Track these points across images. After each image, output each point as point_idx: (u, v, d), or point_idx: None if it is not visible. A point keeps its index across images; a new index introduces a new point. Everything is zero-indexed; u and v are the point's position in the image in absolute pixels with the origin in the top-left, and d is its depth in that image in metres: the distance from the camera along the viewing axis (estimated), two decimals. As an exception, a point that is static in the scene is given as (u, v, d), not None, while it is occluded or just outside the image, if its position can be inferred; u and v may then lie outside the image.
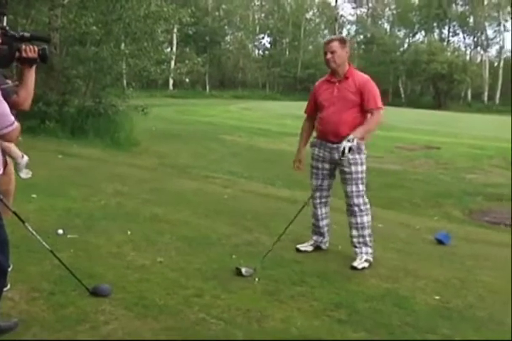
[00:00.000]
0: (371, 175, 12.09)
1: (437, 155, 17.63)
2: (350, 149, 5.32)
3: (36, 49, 3.86)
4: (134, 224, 6.59)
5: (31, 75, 3.96)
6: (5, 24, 3.91)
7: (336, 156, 5.54)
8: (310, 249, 5.98)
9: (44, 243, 4.67)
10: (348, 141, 5.32)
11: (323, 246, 6.03)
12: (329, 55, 5.53)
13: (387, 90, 69.93)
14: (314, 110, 5.69)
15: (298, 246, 5.99)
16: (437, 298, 4.84)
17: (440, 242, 6.59)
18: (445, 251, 6.35)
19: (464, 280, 5.32)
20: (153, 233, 6.30)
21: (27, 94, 3.95)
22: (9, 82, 4.32)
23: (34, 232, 4.75)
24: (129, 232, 6.22)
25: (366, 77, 5.67)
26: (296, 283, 5.00)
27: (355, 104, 5.50)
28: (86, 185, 8.39)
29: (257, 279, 5.03)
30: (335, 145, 5.54)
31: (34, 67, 4.00)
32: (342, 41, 5.58)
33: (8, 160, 4.97)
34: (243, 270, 5.15)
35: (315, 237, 6.01)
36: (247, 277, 5.07)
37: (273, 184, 10.40)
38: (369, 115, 5.55)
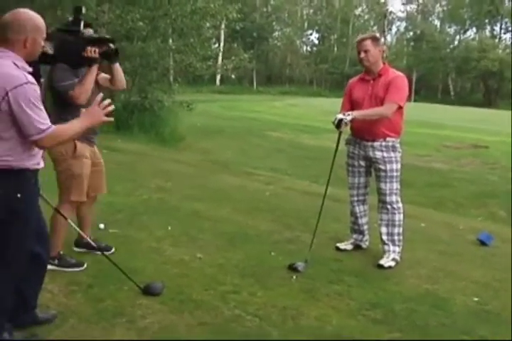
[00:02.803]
0: (416, 173, 12.13)
1: (485, 154, 17.30)
2: (340, 121, 5.21)
3: (97, 50, 4.29)
4: (174, 219, 6.64)
5: (90, 73, 4.56)
6: (81, 28, 4.35)
7: (371, 154, 5.51)
8: (350, 247, 5.95)
9: (90, 240, 4.75)
10: (343, 114, 5.27)
11: (363, 245, 5.99)
12: (362, 54, 5.49)
13: (436, 87, 69.27)
14: (350, 108, 5.64)
15: (338, 244, 5.97)
16: (476, 299, 4.77)
17: (482, 243, 6.49)
18: (487, 252, 6.25)
19: (504, 282, 5.23)
20: (193, 229, 6.35)
21: (82, 89, 4.54)
22: (75, 80, 4.64)
23: (78, 228, 4.84)
24: (169, 227, 6.27)
25: (398, 73, 5.60)
26: (334, 282, 4.98)
27: None
28: (129, 180, 8.48)
29: (294, 277, 5.03)
30: (369, 143, 5.51)
31: (95, 66, 4.52)
32: (374, 39, 5.52)
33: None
34: (299, 267, 5.18)
35: (354, 236, 5.98)
36: (287, 274, 5.08)
37: (316, 181, 10.35)
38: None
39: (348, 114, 5.25)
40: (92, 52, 4.32)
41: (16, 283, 3.50)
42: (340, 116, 5.25)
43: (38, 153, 3.39)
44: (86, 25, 4.78)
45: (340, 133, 5.42)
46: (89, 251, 5.18)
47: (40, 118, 3.17)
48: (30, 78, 3.19)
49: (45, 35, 3.37)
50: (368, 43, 5.47)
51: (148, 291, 4.44)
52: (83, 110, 3.42)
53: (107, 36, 4.77)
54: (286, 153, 15.49)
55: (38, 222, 3.55)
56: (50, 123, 3.20)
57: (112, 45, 4.54)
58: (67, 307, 4.13)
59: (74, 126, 3.36)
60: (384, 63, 5.60)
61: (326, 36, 78.40)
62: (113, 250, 5.28)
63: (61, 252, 4.92)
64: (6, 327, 3.48)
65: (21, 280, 3.53)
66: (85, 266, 4.93)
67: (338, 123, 5.23)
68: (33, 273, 3.66)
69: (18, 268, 3.47)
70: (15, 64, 3.20)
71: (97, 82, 4.83)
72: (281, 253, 5.66)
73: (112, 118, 3.48)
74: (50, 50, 3.92)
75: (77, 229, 4.95)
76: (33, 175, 3.38)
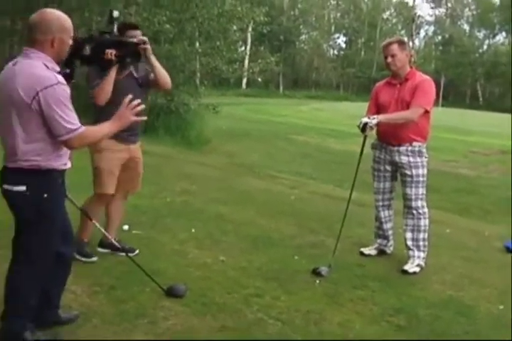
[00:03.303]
0: (443, 179, 12.02)
1: (513, 160, 17.13)
2: (365, 125, 5.19)
3: (114, 52, 4.55)
4: (198, 222, 6.64)
5: (109, 75, 4.76)
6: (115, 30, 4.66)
7: (397, 159, 5.47)
8: (374, 252, 5.91)
9: (115, 242, 4.76)
10: (369, 118, 5.23)
11: (388, 250, 5.95)
12: (389, 59, 5.45)
13: (464, 92, 68.76)
14: (376, 111, 5.60)
15: (362, 249, 5.93)
16: (501, 307, 4.71)
17: (509, 250, 6.41)
18: (513, 259, 6.18)
19: (530, 290, 5.16)
20: (217, 231, 6.35)
21: (100, 90, 4.82)
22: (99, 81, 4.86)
23: (103, 230, 4.85)
24: (193, 230, 6.28)
25: (426, 77, 5.55)
26: (357, 287, 4.95)
27: None
28: (154, 183, 8.49)
29: (317, 281, 5.00)
30: (395, 148, 5.47)
31: (113, 68, 4.74)
32: (401, 43, 5.48)
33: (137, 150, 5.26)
34: (323, 271, 5.16)
35: (379, 240, 5.93)
36: (310, 278, 5.06)
37: (341, 186, 10.30)
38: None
39: (374, 118, 5.21)
40: (110, 54, 4.57)
41: (41, 283, 3.52)
42: (365, 119, 5.22)
43: (66, 153, 3.42)
44: (132, 28, 4.97)
45: (365, 137, 5.39)
46: (113, 252, 5.20)
47: (70, 119, 3.20)
48: (61, 79, 3.22)
49: (72, 35, 3.40)
50: (395, 47, 5.43)
51: (171, 293, 4.44)
52: None
53: (132, 39, 4.83)
54: (311, 157, 15.45)
55: (63, 222, 3.58)
56: (79, 124, 3.23)
57: (139, 47, 4.74)
58: (90, 307, 4.15)
59: (103, 127, 3.40)
60: (411, 67, 5.56)
61: (353, 40, 78.20)
62: (137, 252, 5.29)
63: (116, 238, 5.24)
64: (29, 326, 3.51)
65: (45, 279, 3.55)
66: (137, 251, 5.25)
67: (363, 127, 5.20)
68: (57, 273, 3.69)
69: (43, 267, 3.50)
70: (45, 65, 3.23)
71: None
72: (305, 258, 5.64)
73: (143, 117, 3.54)
74: (87, 52, 4.10)
75: (102, 229, 4.97)
76: (60, 176, 3.41)
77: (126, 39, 4.82)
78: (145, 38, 4.89)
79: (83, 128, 3.25)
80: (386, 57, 5.49)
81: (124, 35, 4.91)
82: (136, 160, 5.27)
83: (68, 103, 3.22)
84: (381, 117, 5.27)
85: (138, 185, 5.43)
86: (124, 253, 4.85)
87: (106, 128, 3.40)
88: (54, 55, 3.33)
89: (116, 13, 4.73)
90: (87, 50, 4.19)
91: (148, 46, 4.88)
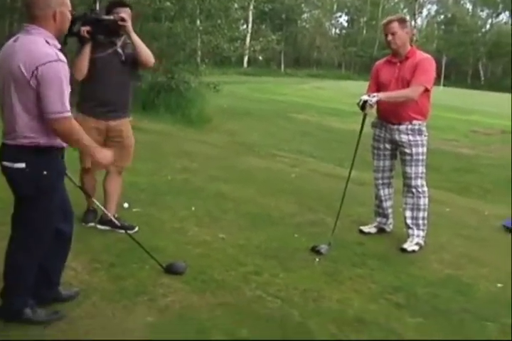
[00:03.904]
0: (443, 158, 12.01)
1: (514, 140, 17.11)
2: (365, 103, 5.16)
3: (87, 29, 4.72)
4: (198, 200, 6.65)
5: (81, 52, 4.89)
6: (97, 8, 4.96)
7: (397, 137, 5.46)
8: (374, 230, 5.93)
9: (114, 219, 4.75)
10: (369, 96, 5.20)
11: (387, 229, 5.96)
12: (390, 37, 5.41)
13: (466, 72, 68.50)
14: (376, 90, 5.57)
15: (361, 227, 5.95)
16: (500, 285, 4.74)
17: (508, 229, 6.42)
18: (512, 238, 6.19)
19: (529, 269, 5.17)
20: (217, 209, 6.35)
21: (75, 66, 4.85)
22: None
23: (102, 207, 4.86)
24: (193, 208, 6.28)
25: (426, 55, 5.52)
26: (356, 265, 4.97)
27: None
28: (154, 160, 8.50)
29: (317, 259, 5.02)
30: (395, 127, 5.45)
31: (86, 45, 4.87)
32: (401, 21, 5.43)
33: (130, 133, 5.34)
34: (322, 249, 5.18)
35: (378, 219, 5.94)
36: (309, 256, 5.09)
37: (341, 164, 10.29)
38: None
39: (374, 96, 5.18)
40: (84, 32, 4.71)
41: (40, 260, 3.53)
42: (365, 97, 5.19)
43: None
44: (120, 5, 5.03)
45: (364, 115, 5.37)
46: (113, 229, 5.21)
47: (63, 99, 3.18)
48: (61, 56, 3.20)
49: (70, 8, 3.37)
50: (395, 25, 5.39)
51: (170, 270, 4.46)
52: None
53: (108, 16, 4.90)
54: (312, 135, 15.41)
55: (63, 200, 3.58)
56: (69, 110, 3.23)
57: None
58: (90, 285, 4.16)
59: (85, 136, 3.36)
60: (411, 45, 5.53)
61: (355, 19, 77.80)
62: (136, 229, 5.30)
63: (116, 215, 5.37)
64: (29, 303, 3.52)
65: (45, 257, 3.56)
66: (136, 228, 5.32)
67: (363, 105, 5.17)
68: (57, 250, 3.69)
69: (42, 244, 3.52)
70: (46, 41, 3.21)
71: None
72: (304, 236, 5.65)
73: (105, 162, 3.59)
74: (76, 29, 4.25)
75: (102, 207, 4.98)
76: (59, 153, 3.40)
77: (101, 16, 4.88)
78: (123, 15, 4.91)
79: (71, 116, 3.24)
80: (386, 35, 5.45)
81: (112, 12, 4.97)
82: (121, 135, 5.28)
83: (66, 82, 3.20)
84: (381, 95, 5.24)
85: (126, 160, 5.42)
86: (123, 231, 4.86)
87: (86, 138, 3.37)
88: (56, 29, 3.32)
89: None
90: (77, 27, 4.29)
91: (127, 23, 4.88)
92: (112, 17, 4.85)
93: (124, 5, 5.18)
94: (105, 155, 3.51)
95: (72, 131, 3.26)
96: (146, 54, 5.04)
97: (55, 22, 3.28)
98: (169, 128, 13.04)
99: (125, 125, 5.32)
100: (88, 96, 5.17)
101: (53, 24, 3.28)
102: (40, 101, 3.16)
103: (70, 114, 3.23)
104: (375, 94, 5.25)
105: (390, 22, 5.45)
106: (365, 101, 5.15)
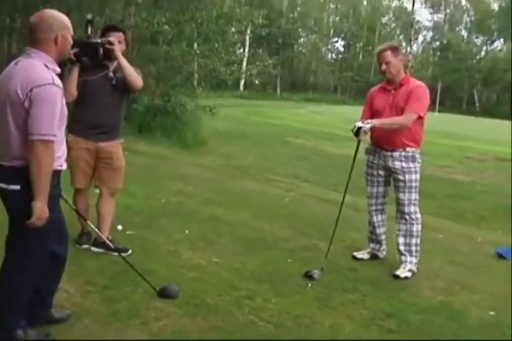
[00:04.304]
0: (438, 184, 12.05)
1: (508, 167, 17.17)
2: (359, 129, 5.20)
3: (72, 52, 4.78)
4: (193, 223, 6.66)
5: (70, 74, 4.96)
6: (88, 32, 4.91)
7: (391, 164, 5.50)
8: (366, 256, 5.93)
9: (108, 241, 4.76)
10: (363, 122, 5.25)
11: (380, 255, 5.97)
12: (384, 66, 5.47)
13: (461, 98, 68.93)
14: (371, 117, 5.62)
15: (354, 253, 5.95)
16: (492, 313, 4.73)
17: (501, 256, 6.44)
18: (505, 265, 6.17)
19: (521, 297, 5.19)
20: (211, 233, 6.36)
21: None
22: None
23: (97, 230, 4.87)
24: (187, 231, 6.29)
25: (420, 83, 5.57)
26: (349, 291, 4.97)
27: None
28: (149, 183, 8.52)
29: (309, 284, 5.02)
30: (389, 153, 5.49)
31: (74, 68, 4.97)
32: (394, 49, 5.48)
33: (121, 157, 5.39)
34: (315, 275, 5.18)
35: (372, 245, 5.96)
36: (302, 282, 5.08)
37: (336, 189, 10.31)
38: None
39: (368, 122, 5.23)
40: (71, 54, 4.77)
41: (35, 282, 3.54)
42: (359, 124, 5.24)
43: (63, 155, 3.44)
44: (113, 30, 5.14)
45: (359, 142, 5.42)
46: (106, 251, 5.22)
47: (49, 122, 3.19)
48: (57, 81, 3.24)
49: (72, 33, 3.43)
50: (388, 54, 5.44)
51: (164, 294, 4.45)
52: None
53: (95, 40, 4.98)
54: (307, 160, 15.49)
55: (58, 222, 3.59)
56: (54, 135, 3.22)
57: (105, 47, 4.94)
58: (82, 307, 4.16)
59: (47, 176, 3.25)
60: (406, 72, 5.59)
61: (351, 44, 78.29)
62: (130, 252, 5.31)
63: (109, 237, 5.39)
64: (22, 324, 3.52)
65: (40, 278, 3.57)
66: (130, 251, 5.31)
67: (357, 131, 5.22)
68: (51, 273, 3.70)
69: (37, 267, 3.51)
70: (45, 65, 3.25)
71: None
72: (298, 261, 5.66)
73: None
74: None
75: (96, 229, 5.00)
76: (55, 176, 3.39)
77: (87, 40, 4.95)
78: (111, 39, 5.01)
79: (53, 140, 3.22)
80: (380, 64, 5.50)
81: (106, 36, 5.09)
82: (111, 156, 5.32)
83: (56, 107, 3.22)
84: (375, 122, 5.29)
85: (117, 181, 5.46)
86: (117, 253, 4.87)
87: (46, 179, 3.24)
88: (57, 53, 3.37)
89: (89, 16, 5.14)
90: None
91: (114, 47, 4.98)
92: (98, 40, 4.95)
93: (117, 30, 5.32)
94: (42, 209, 3.27)
95: (46, 156, 3.20)
96: (134, 77, 5.11)
97: (57, 46, 3.34)
98: (165, 151, 13.09)
99: (115, 147, 5.37)
100: (79, 119, 5.24)
101: (54, 48, 3.33)
102: (28, 122, 3.19)
103: (53, 138, 3.22)
104: (369, 120, 5.30)
105: (382, 51, 5.50)
106: (360, 128, 5.20)
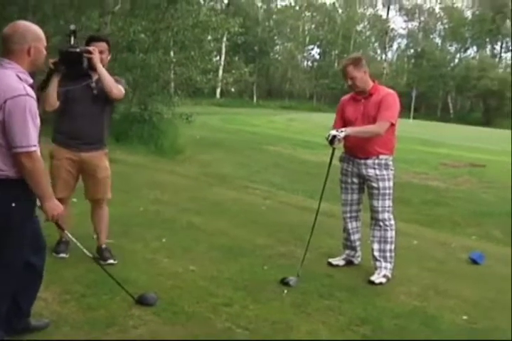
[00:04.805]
0: (413, 191, 12.18)
1: (482, 173, 17.41)
2: (334, 138, 5.27)
3: (52, 61, 4.87)
4: (170, 231, 6.69)
5: (50, 83, 4.98)
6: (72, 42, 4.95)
7: (364, 172, 5.57)
8: (342, 263, 6.00)
9: (85, 250, 4.77)
10: (337, 131, 5.32)
11: (355, 261, 6.04)
12: (350, 82, 5.55)
13: (436, 105, 69.51)
14: (343, 126, 5.69)
15: (330, 260, 6.01)
16: (465, 318, 4.81)
17: (474, 262, 6.54)
18: (478, 271, 6.29)
19: (494, 302, 5.28)
20: (188, 241, 6.40)
21: (44, 98, 4.93)
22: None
23: (75, 240, 4.85)
24: (164, 239, 6.32)
25: (390, 91, 5.66)
26: (324, 297, 5.02)
27: None
28: (126, 191, 8.52)
29: (285, 291, 5.07)
30: (362, 161, 5.57)
31: (53, 76, 4.98)
32: (356, 63, 5.54)
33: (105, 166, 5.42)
34: (291, 281, 5.23)
35: (347, 251, 6.03)
36: (278, 288, 5.13)
37: (313, 197, 10.39)
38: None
39: (342, 131, 5.30)
40: (50, 63, 4.84)
41: (10, 293, 3.55)
42: (333, 132, 5.30)
43: None
44: (96, 40, 5.25)
45: (333, 150, 5.49)
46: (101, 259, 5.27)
47: (28, 133, 3.24)
48: (30, 91, 3.27)
49: (45, 44, 3.47)
50: (351, 69, 5.51)
51: (141, 301, 4.48)
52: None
53: (74, 49, 4.97)
54: (284, 167, 15.58)
55: (34, 232, 3.60)
56: (35, 143, 3.28)
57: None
58: (60, 315, 4.17)
59: (44, 178, 3.41)
60: (374, 81, 5.67)
61: (327, 51, 78.77)
62: (111, 261, 5.34)
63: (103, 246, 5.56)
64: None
65: (16, 289, 3.58)
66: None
67: (332, 140, 5.29)
68: (28, 283, 3.71)
69: (12, 277, 3.52)
70: (18, 76, 3.29)
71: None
72: (274, 268, 5.70)
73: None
74: None
75: (74, 239, 4.98)
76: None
77: (66, 49, 4.96)
78: (90, 48, 5.04)
79: (37, 149, 3.29)
80: (346, 80, 5.59)
81: (90, 46, 5.13)
82: (94, 168, 5.35)
83: (32, 117, 3.26)
84: (349, 130, 5.36)
85: (102, 192, 5.48)
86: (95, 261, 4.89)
87: (45, 181, 3.42)
88: (30, 64, 3.40)
89: (72, 27, 5.08)
90: None
91: (94, 55, 4.99)
92: (77, 49, 4.94)
93: (100, 39, 5.35)
94: (56, 206, 3.49)
95: (34, 166, 3.28)
96: (110, 86, 5.08)
97: (30, 56, 3.37)
98: (142, 159, 13.09)
99: (98, 157, 5.37)
100: (60, 128, 5.28)
101: (27, 58, 3.37)
102: (7, 135, 3.23)
103: (35, 148, 3.27)
104: (343, 129, 5.37)
105: (345, 67, 5.57)
106: (334, 136, 5.27)
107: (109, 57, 5.34)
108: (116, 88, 5.14)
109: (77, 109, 5.17)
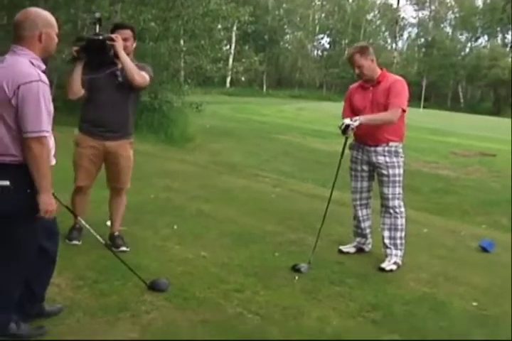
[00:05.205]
0: (423, 179, 12.17)
1: (492, 162, 17.36)
2: (347, 127, 5.28)
3: (76, 49, 4.95)
4: (181, 218, 6.73)
5: (74, 70, 5.06)
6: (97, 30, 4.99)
7: (374, 159, 5.58)
8: (352, 250, 6.02)
9: (99, 237, 4.80)
10: (351, 120, 5.32)
11: (366, 248, 6.06)
12: (357, 70, 5.56)
13: (446, 94, 69.26)
14: (351, 113, 5.70)
15: (341, 247, 6.04)
16: (475, 304, 4.84)
17: (484, 250, 6.54)
18: (488, 258, 6.30)
19: (503, 289, 5.29)
20: (199, 228, 6.44)
21: (68, 86, 5.11)
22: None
23: (88, 226, 4.90)
24: (175, 227, 6.36)
25: (397, 77, 5.68)
26: (335, 283, 5.05)
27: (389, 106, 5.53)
28: (137, 179, 8.42)
29: (296, 277, 5.10)
30: (372, 148, 5.58)
31: (77, 64, 5.03)
32: (362, 51, 5.54)
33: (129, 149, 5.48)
34: (302, 268, 5.26)
35: (357, 239, 6.05)
36: (289, 275, 5.17)
37: (323, 185, 10.40)
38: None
39: (355, 120, 5.30)
40: (74, 51, 4.93)
41: (24, 277, 3.59)
42: (347, 121, 5.30)
43: (51, 150, 3.48)
44: (121, 27, 5.37)
45: (346, 139, 5.50)
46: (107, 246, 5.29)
47: (41, 119, 3.26)
48: (43, 77, 3.30)
49: (57, 31, 3.49)
50: (358, 58, 5.52)
51: (153, 287, 4.52)
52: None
53: (97, 36, 4.97)
54: (293, 156, 15.57)
55: (48, 218, 3.63)
56: (47, 131, 3.30)
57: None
58: (73, 301, 4.22)
59: (48, 170, 3.37)
60: (382, 69, 5.67)
61: (337, 41, 78.44)
62: (123, 248, 5.38)
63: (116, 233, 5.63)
64: (14, 318, 3.57)
65: (30, 274, 3.62)
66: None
67: (345, 129, 5.29)
68: (41, 268, 3.75)
69: (26, 262, 3.56)
70: (31, 62, 3.31)
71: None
72: (285, 255, 5.74)
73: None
74: None
75: (87, 226, 5.02)
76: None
77: (90, 36, 5.00)
78: (112, 35, 5.02)
79: (48, 135, 3.31)
80: (353, 69, 5.59)
81: (115, 34, 5.10)
82: (117, 156, 5.37)
83: (45, 103, 3.28)
84: (362, 119, 5.35)
85: (123, 181, 5.53)
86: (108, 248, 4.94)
87: (48, 173, 3.36)
88: (42, 50, 3.42)
89: (97, 14, 5.20)
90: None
91: (116, 42, 4.96)
92: (100, 37, 4.93)
93: (125, 27, 5.35)
94: (51, 201, 3.43)
95: (42, 152, 3.28)
96: (133, 74, 5.03)
97: (41, 43, 3.39)
98: (152, 148, 13.11)
99: (122, 146, 5.39)
100: (86, 116, 5.31)
101: (39, 45, 3.39)
102: (19, 120, 3.25)
103: (47, 134, 3.30)
104: (356, 117, 5.36)
105: (351, 56, 5.58)
106: (348, 125, 5.27)
107: (134, 45, 5.33)
108: (139, 75, 5.09)
109: (102, 97, 5.17)
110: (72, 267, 4.82)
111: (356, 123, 5.27)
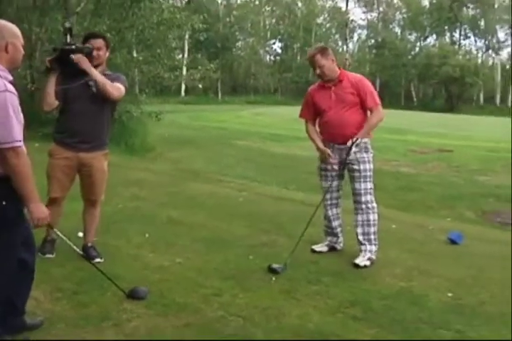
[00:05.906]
0: (385, 178, 12.31)
1: (450, 158, 17.70)
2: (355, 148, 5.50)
3: (48, 59, 4.94)
4: (151, 226, 6.72)
5: (47, 81, 5.02)
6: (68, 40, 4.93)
7: (344, 156, 5.66)
8: (325, 249, 6.08)
9: (77, 249, 4.75)
10: (353, 143, 5.48)
11: (338, 247, 6.12)
12: (318, 71, 5.65)
13: (399, 93, 70.14)
14: (313, 114, 5.81)
15: (313, 246, 6.09)
16: (450, 295, 4.93)
17: (453, 242, 6.67)
18: (458, 250, 6.43)
19: (476, 278, 5.42)
20: (170, 235, 6.43)
21: (41, 97, 5.13)
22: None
23: (65, 238, 4.85)
24: (146, 235, 6.34)
25: (358, 75, 5.83)
26: (312, 282, 5.10)
27: (355, 103, 5.65)
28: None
29: (273, 278, 5.14)
30: (343, 146, 5.67)
31: (50, 75, 4.99)
32: (323, 51, 5.65)
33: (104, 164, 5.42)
34: (278, 269, 5.30)
35: (329, 238, 6.11)
36: (266, 276, 5.20)
37: (287, 188, 10.50)
38: (369, 113, 5.73)
39: (357, 140, 5.53)
40: (47, 62, 4.91)
41: (4, 290, 3.55)
42: (355, 148, 5.56)
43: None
44: (93, 37, 5.32)
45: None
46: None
47: (12, 129, 3.22)
48: (10, 87, 3.26)
49: (22, 42, 3.47)
50: (319, 58, 5.61)
51: (133, 295, 4.50)
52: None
53: (67, 46, 4.93)
54: (254, 161, 15.62)
55: (25, 229, 3.61)
56: (21, 140, 3.27)
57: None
58: (54, 313, 4.19)
59: (31, 179, 3.34)
60: (339, 68, 5.76)
61: (288, 45, 78.79)
62: (98, 260, 5.33)
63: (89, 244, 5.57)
64: (-2, 332, 3.54)
65: (10, 286, 3.58)
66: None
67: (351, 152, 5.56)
68: (20, 280, 3.71)
69: (6, 275, 3.51)
70: None
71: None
72: (259, 257, 5.77)
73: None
74: None
75: (64, 237, 4.96)
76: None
77: (62, 46, 4.95)
78: (85, 46, 5.04)
79: (21, 145, 3.27)
80: (314, 69, 5.67)
81: (87, 44, 5.10)
82: (91, 168, 5.31)
83: (14, 113, 3.24)
84: (361, 136, 5.58)
85: (97, 193, 5.49)
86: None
87: (32, 182, 3.34)
88: (8, 60, 3.38)
89: (67, 24, 5.23)
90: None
91: (80, 60, 4.89)
92: (72, 46, 4.90)
93: (97, 36, 5.30)
94: (43, 209, 3.45)
95: (19, 162, 3.25)
96: (109, 88, 4.99)
97: (8, 53, 3.36)
98: (114, 158, 12.77)
99: (97, 158, 5.32)
100: (60, 127, 5.28)
101: (5, 56, 3.36)
102: None
103: (19, 143, 3.25)
104: (356, 138, 5.54)
105: (312, 56, 5.66)
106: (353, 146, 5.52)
107: (107, 54, 5.26)
108: (113, 88, 5.05)
109: (76, 108, 5.11)
110: (49, 279, 4.77)
111: (361, 144, 5.55)
